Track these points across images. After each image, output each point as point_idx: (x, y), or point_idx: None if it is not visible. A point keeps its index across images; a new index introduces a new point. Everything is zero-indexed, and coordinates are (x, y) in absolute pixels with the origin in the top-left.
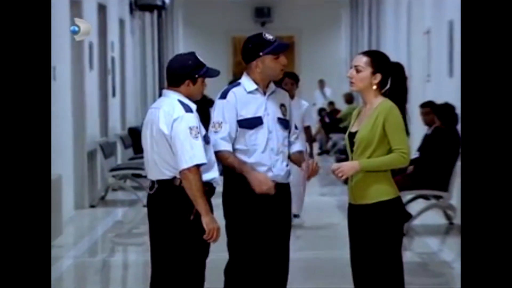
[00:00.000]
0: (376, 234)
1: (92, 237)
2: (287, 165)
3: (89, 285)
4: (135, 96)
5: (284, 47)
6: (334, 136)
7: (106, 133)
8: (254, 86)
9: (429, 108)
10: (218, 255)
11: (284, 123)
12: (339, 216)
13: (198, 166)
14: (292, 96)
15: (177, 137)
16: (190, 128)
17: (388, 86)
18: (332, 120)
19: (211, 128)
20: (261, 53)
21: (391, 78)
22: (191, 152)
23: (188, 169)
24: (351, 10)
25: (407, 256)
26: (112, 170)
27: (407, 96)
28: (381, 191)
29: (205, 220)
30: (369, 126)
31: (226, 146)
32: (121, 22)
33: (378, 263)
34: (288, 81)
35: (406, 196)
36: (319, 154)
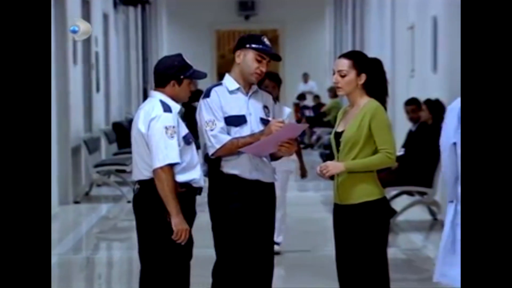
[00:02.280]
0: (362, 235)
1: (77, 233)
2: (271, 164)
3: (75, 282)
4: (119, 91)
5: (269, 52)
6: (318, 130)
7: (90, 128)
8: (236, 86)
9: (415, 105)
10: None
11: (267, 123)
12: (323, 211)
13: (171, 165)
14: (274, 100)
15: (152, 136)
16: (166, 128)
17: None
18: (316, 114)
19: (205, 128)
20: (247, 45)
21: (371, 73)
22: (165, 151)
23: (161, 168)
24: (335, 3)
25: (391, 252)
26: (97, 165)
27: (387, 89)
28: (367, 192)
29: (174, 221)
30: (355, 126)
31: (227, 138)
32: (105, 17)
33: (363, 262)
34: (269, 84)
35: (391, 192)
36: (303, 148)
